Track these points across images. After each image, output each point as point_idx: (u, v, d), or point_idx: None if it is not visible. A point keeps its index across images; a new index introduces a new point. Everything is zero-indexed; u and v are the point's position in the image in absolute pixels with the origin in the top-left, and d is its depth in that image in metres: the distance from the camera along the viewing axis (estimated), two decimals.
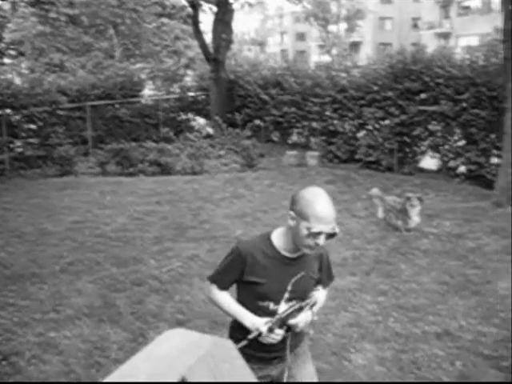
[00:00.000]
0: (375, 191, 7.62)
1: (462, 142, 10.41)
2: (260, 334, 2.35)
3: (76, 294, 5.20)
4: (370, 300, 5.06)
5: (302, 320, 2.44)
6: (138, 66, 18.02)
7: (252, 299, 2.46)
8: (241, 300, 2.51)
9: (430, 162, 11.10)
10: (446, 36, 48.18)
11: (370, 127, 11.51)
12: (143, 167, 11.23)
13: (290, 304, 2.45)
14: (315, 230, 2.28)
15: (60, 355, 4.08)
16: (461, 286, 5.36)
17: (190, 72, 18.27)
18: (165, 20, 29.41)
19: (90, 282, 5.49)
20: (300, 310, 2.43)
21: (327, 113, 12.27)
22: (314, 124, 12.79)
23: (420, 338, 4.33)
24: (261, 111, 14.30)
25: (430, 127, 10.72)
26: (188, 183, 9.98)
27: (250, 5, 20.96)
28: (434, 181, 10.11)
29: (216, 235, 6.91)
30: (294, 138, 14.22)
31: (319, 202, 2.32)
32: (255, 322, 2.40)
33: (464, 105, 10.00)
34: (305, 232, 2.30)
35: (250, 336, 2.35)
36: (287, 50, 63.74)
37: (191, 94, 16.31)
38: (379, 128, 11.25)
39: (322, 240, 2.32)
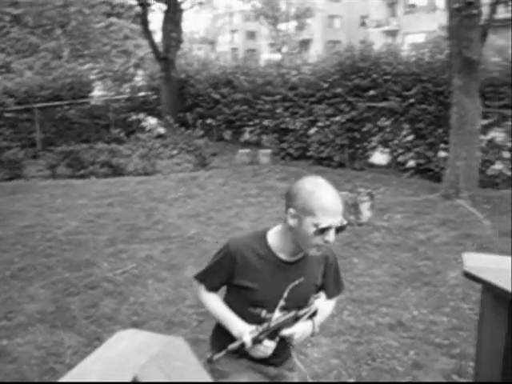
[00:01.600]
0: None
1: (410, 137, 10.63)
2: (243, 345, 2.05)
3: (28, 299, 5.08)
4: None
5: (298, 331, 2.15)
6: (87, 66, 17.67)
7: (242, 304, 2.19)
8: (230, 303, 2.24)
9: (380, 157, 11.30)
10: (393, 33, 49.02)
11: (320, 124, 11.62)
12: (94, 169, 11.06)
13: (285, 312, 2.15)
14: (324, 224, 1.97)
15: (13, 363, 3.99)
16: (412, 278, 5.48)
17: (140, 72, 18.06)
18: (113, 19, 29.01)
19: (42, 287, 5.37)
20: (296, 319, 2.13)
21: (278, 110, 12.34)
22: (266, 122, 12.83)
23: (374, 329, 4.41)
24: (212, 110, 14.27)
25: (380, 123, 10.91)
26: (140, 184, 9.88)
27: (200, 3, 20.88)
28: (384, 175, 10.30)
29: (170, 235, 6.87)
30: (246, 136, 14.23)
31: (323, 192, 2.00)
32: (241, 331, 2.11)
33: (411, 100, 10.21)
34: (312, 229, 1.98)
35: (231, 347, 2.06)
36: (238, 49, 63.72)
37: (142, 93, 16.13)
38: (330, 125, 11.37)
39: (331, 236, 2.00)
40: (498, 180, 9.63)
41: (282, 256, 2.15)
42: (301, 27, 49.84)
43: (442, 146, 9.98)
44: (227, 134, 14.77)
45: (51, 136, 13.85)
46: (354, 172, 10.58)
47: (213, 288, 2.27)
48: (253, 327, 2.10)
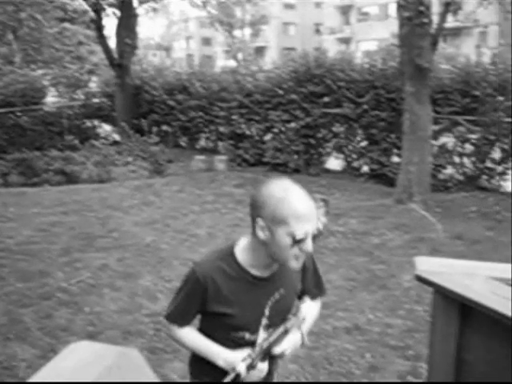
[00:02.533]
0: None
1: (364, 143, 10.81)
2: (238, 376, 1.85)
3: None
4: None
5: (289, 346, 1.98)
6: (40, 72, 17.36)
7: (222, 331, 1.97)
8: (207, 331, 2.02)
9: (334, 162, 11.44)
10: (346, 41, 49.79)
11: (276, 130, 11.69)
12: (48, 177, 10.84)
13: (271, 330, 1.98)
14: (300, 234, 1.76)
15: None
16: (368, 281, 5.56)
17: (94, 78, 17.83)
18: (67, 25, 28.55)
19: None
20: (286, 332, 1.96)
21: (234, 117, 12.36)
22: (222, 128, 12.84)
23: (331, 333, 4.45)
24: (168, 116, 14.18)
25: (334, 129, 11.05)
26: (95, 191, 9.74)
27: (155, 10, 20.77)
28: (339, 181, 10.42)
29: (125, 244, 6.80)
30: (202, 142, 14.20)
31: (294, 197, 1.77)
32: (230, 360, 1.91)
33: (365, 107, 10.38)
34: (287, 241, 1.77)
35: (226, 380, 1.83)
36: (193, 55, 63.60)
37: (96, 100, 15.92)
38: (285, 131, 11.45)
39: (309, 244, 1.81)
40: (449, 184, 9.87)
41: (256, 272, 1.93)
42: (256, 34, 50.06)
43: (395, 151, 10.17)
44: (183, 141, 14.71)
45: (3, 143, 13.52)
46: (309, 178, 10.67)
47: (185, 323, 2.04)
48: (242, 353, 1.91)
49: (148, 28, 66.55)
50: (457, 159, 10.07)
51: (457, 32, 36.92)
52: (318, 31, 57.36)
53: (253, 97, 12.01)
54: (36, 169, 10.99)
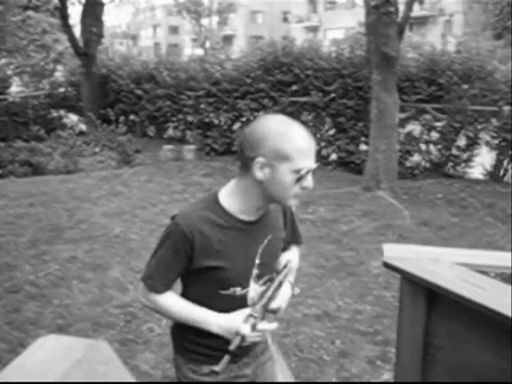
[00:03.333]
0: None
1: (332, 131, 10.87)
2: (243, 340, 1.70)
3: None
4: None
5: (283, 300, 1.89)
6: (4, 61, 17.02)
7: (209, 291, 1.81)
8: (190, 296, 1.84)
9: None
10: (314, 29, 49.88)
11: (244, 119, 11.68)
12: (13, 168, 10.66)
13: (261, 282, 1.86)
14: (304, 169, 1.67)
15: None
16: (337, 268, 5.62)
17: (59, 67, 17.55)
18: (31, 13, 27.97)
19: None
20: (279, 286, 1.85)
21: (202, 106, 12.30)
22: (190, 117, 12.77)
23: (301, 321, 4.49)
24: (135, 106, 14.04)
25: (302, 117, 11.07)
26: (62, 183, 9.62)
27: None
28: None
29: (94, 235, 6.73)
30: (170, 132, 14.11)
31: (296, 131, 1.69)
32: (229, 325, 1.75)
33: (333, 95, 10.43)
34: (290, 177, 1.67)
35: (233, 346, 1.68)
36: (160, 44, 63.03)
37: (62, 89, 15.67)
38: (254, 120, 11.42)
39: (310, 181, 1.72)
40: (416, 171, 10.01)
41: (245, 217, 1.80)
42: (223, 22, 49.90)
43: (363, 139, 10.26)
44: (151, 130, 14.59)
45: None
46: None
47: (167, 287, 1.83)
48: (238, 315, 1.77)
49: (114, 16, 65.65)
50: (423, 147, 10.20)
51: (423, 21, 37.29)
52: (285, 19, 57.35)
53: (221, 85, 11.97)
54: (1, 160, 10.80)
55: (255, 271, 1.84)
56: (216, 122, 12.20)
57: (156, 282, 1.82)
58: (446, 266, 1.93)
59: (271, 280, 1.86)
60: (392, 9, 8.40)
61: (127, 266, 5.69)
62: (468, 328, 1.80)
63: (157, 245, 1.83)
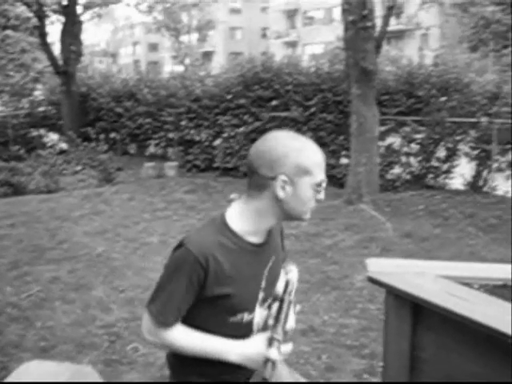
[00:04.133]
0: (234, 196, 7.82)
1: None
2: (274, 365, 1.62)
3: None
4: None
5: (293, 319, 1.87)
6: None
7: (217, 320, 1.72)
8: (195, 325, 1.72)
9: None
10: (293, 45, 50.26)
11: (225, 135, 11.70)
12: None
13: (265, 306, 1.80)
14: (322, 181, 1.69)
15: None
16: (321, 283, 5.61)
17: (39, 86, 17.47)
18: (9, 32, 27.84)
19: None
20: (290, 305, 1.80)
21: (183, 123, 12.30)
22: (171, 134, 12.77)
23: (287, 337, 4.47)
24: (116, 124, 14.01)
25: None
26: (43, 202, 9.53)
27: (99, 16, 20.47)
28: None
29: (77, 254, 6.67)
30: (152, 149, 14.08)
31: (309, 146, 1.71)
32: (251, 352, 1.68)
33: (313, 110, 10.50)
34: (310, 192, 1.68)
35: (267, 374, 1.60)
36: (140, 61, 63.04)
37: (42, 108, 15.59)
38: (235, 135, 11.47)
39: (323, 193, 1.72)
40: (397, 183, 10.09)
41: (253, 239, 1.74)
42: (203, 39, 49.97)
43: (344, 153, 10.32)
44: (132, 148, 14.55)
45: None
46: None
47: (177, 320, 1.70)
48: (255, 341, 1.70)
49: (93, 34, 65.55)
50: (404, 159, 10.29)
51: (400, 35, 37.77)
52: (264, 35, 57.70)
53: (201, 102, 11.99)
54: None
55: (261, 295, 1.77)
56: (197, 138, 12.21)
57: (168, 317, 1.68)
58: (430, 279, 1.94)
59: (275, 301, 1.80)
60: (369, 24, 8.50)
61: (110, 285, 5.64)
62: (454, 340, 1.81)
63: (165, 275, 1.70)
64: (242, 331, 1.74)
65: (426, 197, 9.17)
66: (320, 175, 1.68)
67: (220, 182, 10.75)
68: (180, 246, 1.67)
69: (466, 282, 1.93)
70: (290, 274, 1.86)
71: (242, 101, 11.24)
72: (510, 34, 26.17)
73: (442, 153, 10.15)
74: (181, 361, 1.80)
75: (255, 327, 1.78)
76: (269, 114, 11.00)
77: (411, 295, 1.83)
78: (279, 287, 1.86)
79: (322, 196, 1.71)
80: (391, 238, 7.07)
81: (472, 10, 27.83)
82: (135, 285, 5.56)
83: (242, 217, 1.73)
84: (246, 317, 1.74)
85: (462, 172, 10.03)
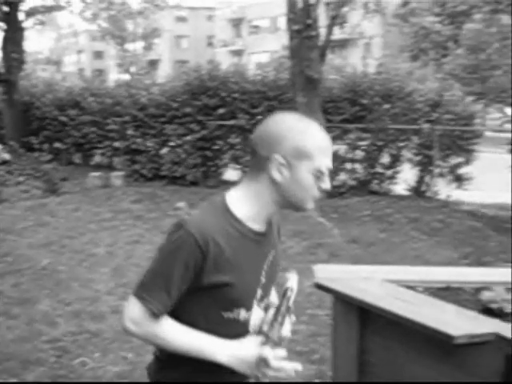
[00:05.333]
0: (181, 205, 7.80)
1: None
2: (267, 363, 1.49)
3: None
4: None
5: (289, 328, 1.69)
6: None
7: (210, 315, 1.57)
8: (183, 320, 1.56)
9: (232, 173, 11.53)
10: (239, 53, 50.48)
11: (172, 144, 11.64)
12: None
13: (262, 306, 1.66)
14: (324, 167, 1.57)
15: None
16: None
17: None
18: None
19: None
20: (288, 311, 1.63)
21: (129, 132, 12.16)
22: (117, 143, 12.60)
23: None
24: (60, 133, 13.73)
25: (230, 140, 11.16)
26: None
27: (42, 23, 20.07)
28: None
29: (21, 268, 6.48)
30: (97, 158, 13.87)
31: (315, 128, 1.61)
32: (243, 354, 1.54)
33: (259, 118, 10.55)
34: (310, 177, 1.55)
35: (260, 373, 1.50)
36: (85, 69, 62.05)
37: None
38: (182, 144, 11.42)
39: (328, 182, 1.60)
40: (343, 189, 10.24)
41: (255, 226, 1.61)
42: (148, 47, 49.58)
43: None
44: (77, 158, 14.29)
45: None
46: (207, 190, 10.67)
47: (165, 309, 1.53)
48: (249, 342, 1.56)
49: (36, 42, 64.16)
50: (349, 165, 10.46)
51: (344, 43, 38.44)
52: (210, 44, 57.77)
53: (147, 110, 11.89)
54: None
55: (259, 292, 1.64)
56: (143, 147, 12.09)
57: (158, 306, 1.51)
58: (377, 283, 1.98)
59: (271, 307, 1.67)
60: (314, 33, 8.64)
61: (56, 298, 5.51)
62: (400, 343, 1.85)
63: (159, 259, 1.55)
64: (237, 331, 1.59)
65: (371, 202, 9.34)
66: (322, 161, 1.56)
67: (167, 190, 10.67)
68: (178, 227, 1.52)
69: (411, 286, 1.98)
70: (289, 281, 1.69)
71: (189, 109, 11.21)
72: (449, 43, 27.05)
73: (385, 159, 10.38)
74: (163, 368, 1.66)
75: (251, 328, 1.64)
76: (215, 123, 11.00)
77: (358, 300, 1.87)
78: (275, 294, 1.77)
79: (326, 185, 1.59)
80: (338, 244, 7.17)
81: (412, 20, 28.62)
82: (82, 297, 5.45)
83: (243, 200, 1.60)
84: (242, 314, 1.59)
85: (406, 177, 10.27)
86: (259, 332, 1.62)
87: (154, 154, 12.00)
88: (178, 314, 1.57)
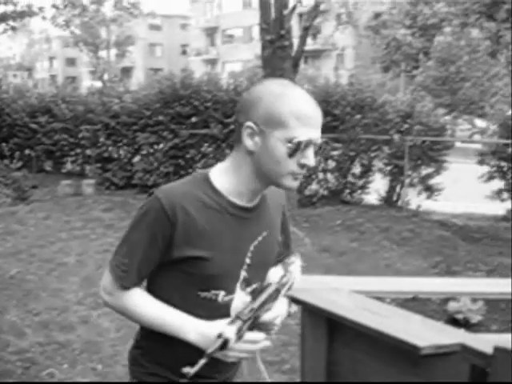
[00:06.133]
0: None
1: None
2: (225, 344, 1.33)
3: None
4: None
5: (279, 313, 1.54)
6: None
7: (185, 293, 1.47)
8: (159, 297, 1.49)
9: None
10: (213, 62, 50.57)
11: (144, 152, 11.58)
12: None
13: (249, 290, 1.53)
14: (301, 137, 1.38)
15: None
16: None
17: None
18: None
19: None
20: (277, 294, 1.49)
21: (101, 139, 12.07)
22: (88, 151, 12.49)
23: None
24: (31, 140, 13.55)
25: (203, 149, 11.15)
26: None
27: (14, 28, 19.82)
28: None
29: None
30: (69, 166, 13.73)
31: (296, 93, 1.43)
32: (211, 332, 1.37)
33: (232, 127, 10.56)
34: (282, 148, 1.39)
35: (211, 349, 1.31)
36: (57, 76, 61.49)
37: None
38: (154, 152, 11.37)
39: (311, 158, 1.42)
40: (314, 199, 10.30)
41: (237, 200, 1.48)
42: (122, 55, 49.36)
43: None
44: (48, 165, 14.12)
45: None
46: None
47: (138, 281, 1.49)
48: (220, 321, 1.41)
49: (8, 47, 63.40)
50: (321, 175, 10.53)
51: (317, 54, 38.79)
52: (184, 52, 57.77)
53: (120, 118, 11.82)
54: None
55: (243, 274, 1.51)
56: (115, 155, 12.01)
57: (127, 275, 1.45)
58: (345, 294, 1.99)
59: (263, 290, 1.49)
60: (286, 43, 8.70)
61: (24, 308, 5.42)
62: (368, 355, 1.86)
63: (129, 226, 1.48)
64: (216, 313, 1.46)
65: (342, 212, 9.41)
66: (298, 130, 1.37)
67: (139, 199, 10.59)
68: (149, 195, 1.48)
69: (379, 296, 2.00)
70: (290, 266, 1.59)
71: (161, 117, 11.17)
72: (420, 55, 27.45)
73: (357, 169, 10.48)
74: (148, 346, 1.57)
75: (232, 312, 1.50)
76: (188, 131, 10.98)
77: (326, 311, 1.87)
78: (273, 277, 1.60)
79: (309, 160, 1.41)
80: (310, 253, 7.19)
81: (384, 32, 29.00)
82: (51, 307, 5.37)
83: (225, 173, 1.50)
84: (221, 296, 1.48)
85: (377, 187, 10.37)
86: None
87: (126, 162, 11.93)
88: (153, 289, 1.51)
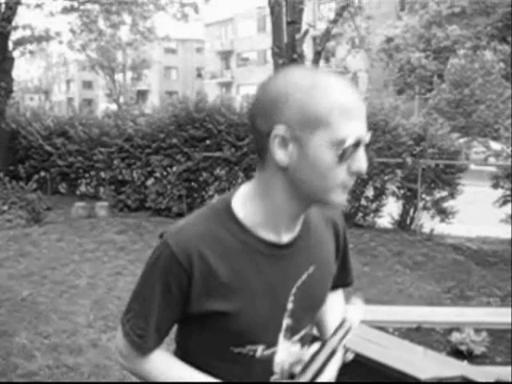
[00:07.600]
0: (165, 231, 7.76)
1: None
2: None
3: None
4: None
5: (334, 373, 1.21)
6: None
7: (216, 350, 1.21)
8: (189, 356, 1.25)
9: None
10: (227, 85, 51.03)
11: (158, 175, 11.65)
12: None
13: (296, 338, 1.25)
14: (350, 136, 1.10)
15: None
16: None
17: None
18: None
19: None
20: (333, 353, 1.17)
21: (115, 162, 12.17)
22: (102, 174, 12.60)
23: None
24: (46, 162, 13.71)
25: (216, 172, 11.19)
26: None
27: (31, 52, 20.17)
28: None
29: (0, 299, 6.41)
30: (83, 188, 13.84)
31: (332, 82, 1.11)
32: None
33: (245, 150, 10.62)
34: (329, 155, 1.08)
35: None
36: (74, 99, 62.33)
37: None
38: (167, 175, 11.44)
39: (363, 160, 1.14)
40: None
41: (270, 236, 1.18)
42: (138, 78, 49.99)
43: None
44: (62, 187, 14.26)
45: None
46: None
47: (158, 342, 1.24)
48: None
49: (26, 70, 64.41)
50: None
51: None
52: (199, 75, 58.34)
53: (133, 141, 11.92)
54: None
55: (287, 321, 1.22)
56: (129, 178, 12.09)
57: (145, 339, 1.21)
58: None
59: (314, 357, 1.18)
60: None
61: (35, 331, 5.44)
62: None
63: (140, 277, 1.24)
64: (256, 370, 1.21)
65: (355, 235, 9.35)
66: (346, 128, 1.09)
67: (152, 222, 10.64)
68: (160, 239, 1.21)
69: (381, 326, 1.98)
70: (348, 312, 1.23)
71: (175, 140, 11.25)
72: (434, 78, 27.50)
73: (370, 192, 10.44)
74: None
75: (277, 368, 1.23)
76: (201, 154, 11.04)
77: None
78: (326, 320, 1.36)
79: (361, 165, 1.13)
80: None
81: (397, 55, 29.12)
82: (60, 330, 5.38)
83: (251, 201, 1.18)
84: (260, 351, 1.20)
85: (390, 211, 10.32)
86: (291, 375, 1.21)
87: (140, 184, 12.01)
88: (181, 348, 1.30)
